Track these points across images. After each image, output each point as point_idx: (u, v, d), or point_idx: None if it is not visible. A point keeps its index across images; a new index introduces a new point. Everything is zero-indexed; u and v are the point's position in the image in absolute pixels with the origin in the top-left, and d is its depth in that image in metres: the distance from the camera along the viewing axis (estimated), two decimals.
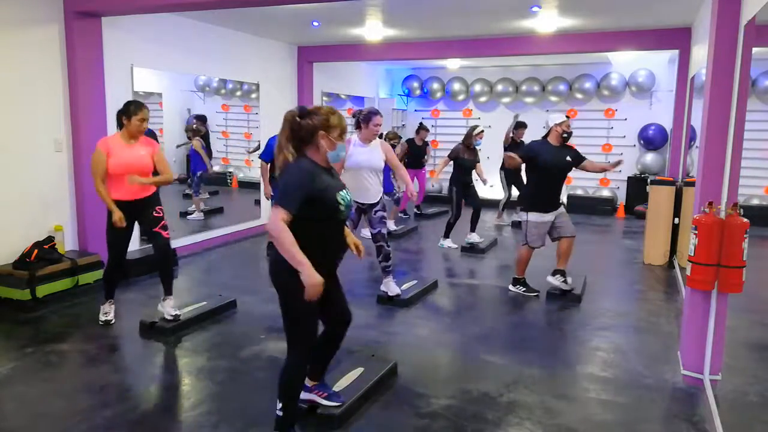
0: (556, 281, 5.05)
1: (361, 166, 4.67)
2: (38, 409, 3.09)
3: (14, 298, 4.62)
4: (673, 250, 6.17)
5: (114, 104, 5.59)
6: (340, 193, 2.61)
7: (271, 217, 2.46)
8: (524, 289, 5.19)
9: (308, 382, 2.98)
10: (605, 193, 9.98)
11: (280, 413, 2.63)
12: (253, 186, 8.41)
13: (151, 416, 3.08)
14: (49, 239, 5.00)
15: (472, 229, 7.00)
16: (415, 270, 6.08)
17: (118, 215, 4.02)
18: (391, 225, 7.76)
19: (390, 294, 4.91)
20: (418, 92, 11.28)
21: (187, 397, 3.28)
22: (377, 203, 4.78)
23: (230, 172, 9.09)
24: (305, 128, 2.55)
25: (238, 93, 8.45)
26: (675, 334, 4.18)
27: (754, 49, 3.18)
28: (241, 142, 8.88)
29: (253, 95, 8.07)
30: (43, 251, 4.86)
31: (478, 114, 10.93)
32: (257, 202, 8.20)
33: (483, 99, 10.81)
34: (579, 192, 9.98)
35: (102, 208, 5.50)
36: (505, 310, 4.89)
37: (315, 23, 6.78)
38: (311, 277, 2.43)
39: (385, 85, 11.52)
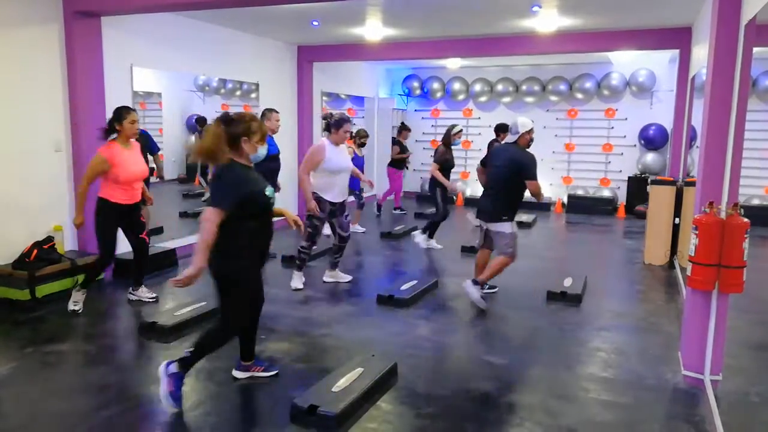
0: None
1: (340, 167, 5.01)
2: (38, 409, 3.09)
3: (14, 298, 4.62)
4: (673, 250, 6.17)
5: (114, 104, 5.58)
6: (267, 188, 3.00)
7: (204, 215, 2.81)
8: (485, 290, 4.92)
9: (244, 363, 3.41)
10: (606, 193, 9.97)
11: (188, 354, 3.06)
12: None
13: (150, 416, 3.07)
14: (49, 239, 5.00)
15: (426, 231, 6.95)
16: (415, 270, 6.08)
17: (80, 219, 4.36)
18: (358, 227, 7.90)
19: (343, 281, 5.42)
20: (418, 92, 11.28)
21: (186, 397, 3.27)
22: (344, 203, 5.16)
23: None
24: (230, 135, 2.91)
25: (238, 93, 8.44)
26: (675, 335, 4.17)
27: (755, 49, 3.18)
28: None
29: (253, 95, 8.06)
30: (43, 251, 4.86)
31: (478, 114, 10.94)
32: None
33: (483, 99, 10.81)
34: (579, 192, 9.97)
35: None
36: (505, 310, 4.88)
37: (315, 23, 6.77)
38: (194, 271, 2.79)
39: (385, 85, 11.52)
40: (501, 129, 8.07)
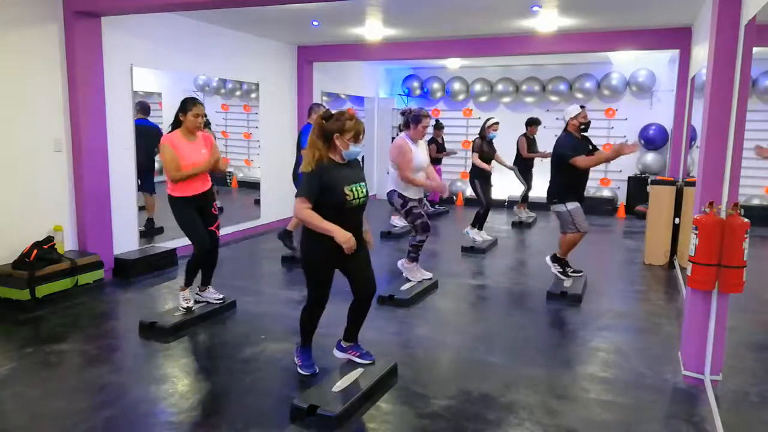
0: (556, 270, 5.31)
1: (421, 164, 4.98)
2: (38, 409, 3.09)
3: (14, 298, 4.62)
4: (673, 250, 6.16)
5: (113, 104, 5.62)
6: (351, 185, 3.11)
7: (295, 206, 3.09)
8: (561, 270, 5.28)
9: (344, 344, 3.55)
10: (606, 193, 9.97)
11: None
12: (253, 186, 8.41)
13: (150, 416, 3.07)
14: (49, 239, 5.00)
15: (474, 225, 7.05)
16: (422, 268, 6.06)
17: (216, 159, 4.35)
18: (397, 221, 8.04)
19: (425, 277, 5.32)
20: (418, 92, 11.28)
21: (186, 397, 3.27)
22: (422, 200, 5.22)
23: (230, 172, 9.08)
24: (327, 130, 3.10)
25: (238, 93, 8.44)
26: (675, 335, 4.17)
27: (755, 49, 3.17)
28: (240, 142, 8.87)
29: (253, 95, 8.06)
30: (43, 251, 4.86)
31: (478, 114, 10.92)
32: (257, 202, 8.19)
33: (483, 99, 10.80)
34: None
35: (102, 209, 5.53)
36: (506, 310, 4.89)
37: (315, 23, 6.77)
38: (342, 236, 3.03)
39: (385, 85, 11.52)
40: (530, 123, 8.57)
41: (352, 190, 3.12)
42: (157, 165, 6.50)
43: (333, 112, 3.17)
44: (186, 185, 4.24)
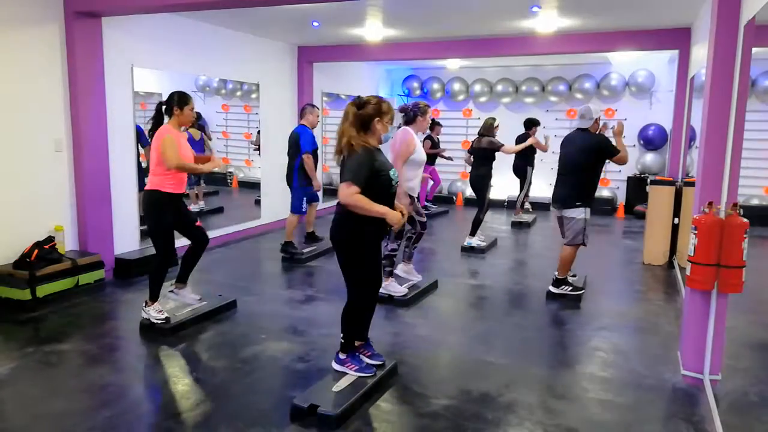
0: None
1: (423, 158, 4.75)
2: (38, 409, 3.09)
3: (14, 298, 4.62)
4: (672, 250, 6.17)
5: (114, 104, 5.63)
6: (390, 171, 3.14)
7: (343, 192, 2.98)
8: (571, 288, 5.01)
9: (356, 343, 3.42)
10: (605, 193, 9.98)
11: (343, 340, 3.32)
12: (253, 186, 8.42)
13: (150, 416, 3.08)
14: (50, 239, 5.00)
15: (474, 233, 6.95)
16: (415, 270, 6.07)
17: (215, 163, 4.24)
18: None
19: (414, 280, 5.14)
20: (418, 92, 11.29)
21: (186, 397, 3.28)
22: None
23: (230, 172, 9.09)
24: (363, 116, 3.08)
25: (238, 93, 8.45)
26: (675, 335, 4.18)
27: (754, 49, 3.18)
28: (241, 142, 8.88)
29: (253, 95, 8.07)
30: (44, 251, 4.86)
31: (478, 114, 10.93)
32: (257, 202, 8.20)
33: (483, 99, 10.82)
34: None
35: (103, 209, 5.53)
36: (505, 310, 4.89)
37: (315, 23, 6.78)
38: (394, 215, 3.03)
39: (385, 85, 11.53)
40: (530, 123, 8.41)
41: (393, 175, 3.14)
42: (144, 164, 6.40)
43: (362, 97, 3.15)
44: (179, 181, 4.12)
